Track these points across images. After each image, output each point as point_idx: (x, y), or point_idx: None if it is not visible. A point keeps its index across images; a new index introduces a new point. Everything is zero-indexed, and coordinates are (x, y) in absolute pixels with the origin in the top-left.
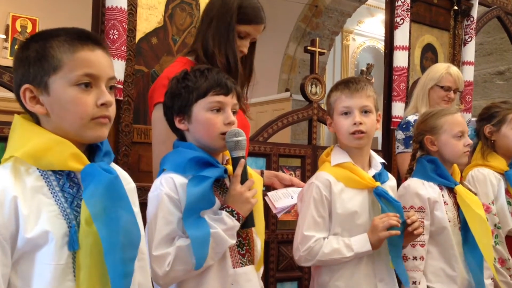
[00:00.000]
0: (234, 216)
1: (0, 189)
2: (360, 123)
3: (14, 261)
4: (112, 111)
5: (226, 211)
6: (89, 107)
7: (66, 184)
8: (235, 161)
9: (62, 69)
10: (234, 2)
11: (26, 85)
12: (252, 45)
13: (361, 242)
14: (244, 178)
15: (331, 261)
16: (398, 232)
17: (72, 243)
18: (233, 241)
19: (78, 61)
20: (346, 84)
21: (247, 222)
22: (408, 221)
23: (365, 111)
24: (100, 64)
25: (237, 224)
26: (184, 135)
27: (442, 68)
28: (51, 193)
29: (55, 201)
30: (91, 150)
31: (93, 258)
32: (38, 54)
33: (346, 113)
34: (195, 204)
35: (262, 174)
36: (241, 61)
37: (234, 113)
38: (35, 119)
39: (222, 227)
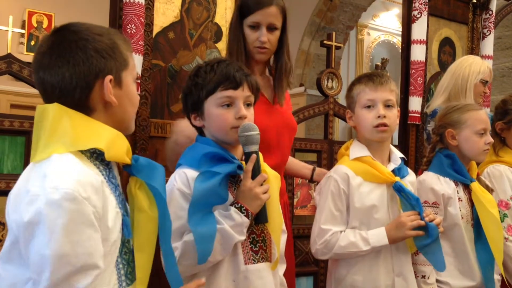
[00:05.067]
0: (242, 212)
1: (90, 174)
2: (384, 116)
3: None
4: None
5: (235, 207)
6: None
7: (110, 175)
8: (247, 156)
9: (129, 66)
10: (238, 1)
11: (110, 76)
12: (282, 36)
13: (378, 236)
14: (256, 173)
15: (348, 254)
16: (423, 232)
17: (127, 231)
18: (241, 238)
19: (133, 61)
20: (370, 78)
21: (259, 218)
22: (426, 219)
23: (388, 105)
24: None
25: (245, 221)
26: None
27: (480, 61)
28: (107, 183)
29: (111, 191)
30: None
31: (150, 243)
32: (110, 49)
33: (369, 106)
34: (203, 200)
35: (313, 170)
36: (274, 54)
37: (248, 105)
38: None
39: (229, 223)
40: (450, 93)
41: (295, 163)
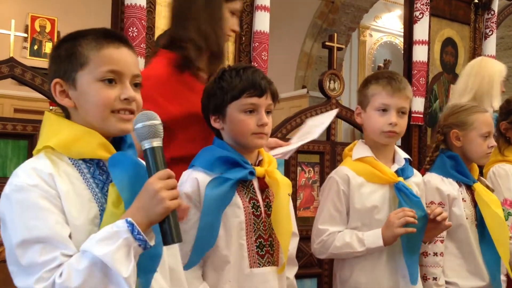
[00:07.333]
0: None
1: (38, 168)
2: (396, 124)
3: None
4: (136, 106)
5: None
6: (109, 99)
7: (96, 171)
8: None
9: (89, 65)
10: None
11: (56, 80)
12: None
13: (373, 237)
14: (158, 168)
15: (343, 254)
16: (414, 230)
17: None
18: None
19: (103, 58)
20: (389, 81)
21: (167, 235)
22: (431, 216)
23: (401, 112)
24: (125, 62)
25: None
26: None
27: (497, 61)
28: (83, 179)
29: (87, 186)
30: (116, 143)
31: None
32: (67, 52)
33: (383, 110)
34: (213, 205)
35: None
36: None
37: (268, 113)
38: (66, 115)
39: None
40: (476, 94)
41: None
